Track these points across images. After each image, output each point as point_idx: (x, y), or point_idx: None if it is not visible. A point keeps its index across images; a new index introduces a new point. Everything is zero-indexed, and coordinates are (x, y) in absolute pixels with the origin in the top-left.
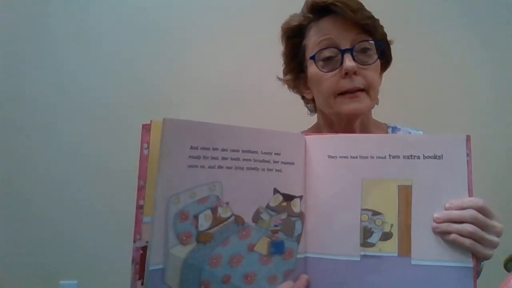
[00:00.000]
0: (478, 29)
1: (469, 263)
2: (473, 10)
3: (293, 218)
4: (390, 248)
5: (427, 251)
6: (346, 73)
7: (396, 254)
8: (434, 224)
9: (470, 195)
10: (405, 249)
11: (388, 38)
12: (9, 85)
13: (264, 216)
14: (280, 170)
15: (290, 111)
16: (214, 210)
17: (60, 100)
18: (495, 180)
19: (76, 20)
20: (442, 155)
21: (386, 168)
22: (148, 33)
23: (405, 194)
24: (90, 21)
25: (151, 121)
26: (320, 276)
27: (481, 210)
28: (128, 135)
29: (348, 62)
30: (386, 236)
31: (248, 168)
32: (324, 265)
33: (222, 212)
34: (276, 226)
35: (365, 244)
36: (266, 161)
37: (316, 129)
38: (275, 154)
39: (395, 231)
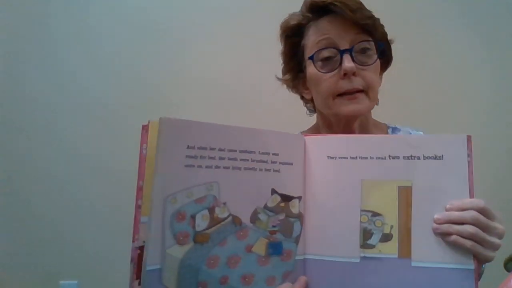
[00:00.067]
0: (478, 29)
1: (470, 265)
2: (473, 10)
3: (292, 219)
4: (390, 249)
5: (428, 252)
6: (345, 74)
7: (396, 256)
8: (435, 225)
9: (471, 196)
10: (405, 250)
11: (389, 38)
12: (9, 85)
13: (262, 216)
14: (278, 171)
15: (290, 111)
16: (211, 210)
17: (60, 100)
18: (495, 180)
19: (76, 20)
20: (442, 155)
21: (386, 168)
22: (148, 33)
23: (405, 195)
24: (90, 21)
25: (149, 121)
26: (319, 277)
27: (482, 211)
28: (128, 135)
29: (347, 62)
30: (386, 238)
31: (245, 168)
32: (323, 266)
33: (220, 212)
34: (274, 226)
35: (364, 245)
36: (264, 161)
37: (315, 130)
38: (273, 154)
39: (395, 233)
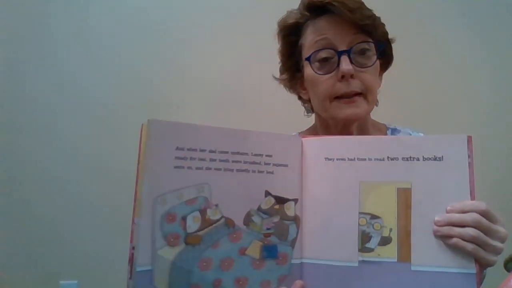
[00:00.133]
0: (478, 29)
1: (472, 269)
2: (473, 10)
3: (287, 222)
4: (389, 253)
5: (428, 256)
6: (342, 76)
7: (395, 260)
8: (435, 227)
9: (472, 197)
10: (404, 254)
11: (390, 37)
12: (9, 85)
13: (256, 219)
14: (272, 172)
15: (290, 112)
16: (202, 212)
17: (60, 100)
18: (495, 180)
19: (76, 20)
20: (442, 156)
21: (384, 170)
22: (148, 33)
23: (404, 197)
24: (90, 21)
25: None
26: (316, 282)
27: (484, 214)
28: (128, 135)
29: (345, 65)
30: (385, 241)
31: (238, 170)
32: (320, 271)
33: (212, 214)
34: (268, 229)
35: (363, 249)
36: (257, 163)
37: (313, 131)
38: (266, 156)
39: (394, 236)
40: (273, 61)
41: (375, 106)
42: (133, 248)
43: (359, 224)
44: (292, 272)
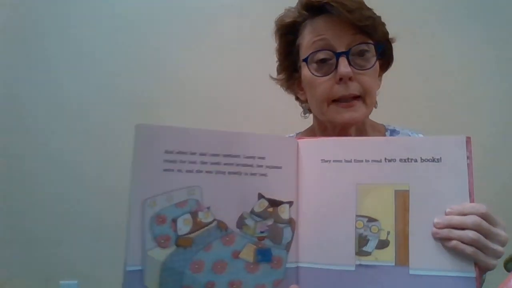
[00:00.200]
0: (478, 29)
1: (471, 272)
2: (475, 10)
3: (281, 225)
4: (386, 256)
5: (426, 260)
6: (340, 79)
7: (393, 263)
8: (434, 230)
9: (471, 200)
10: (402, 257)
11: (390, 36)
12: (9, 85)
13: (249, 222)
14: (265, 175)
15: (290, 112)
16: (194, 214)
17: (60, 101)
18: (495, 180)
19: (70, 22)
20: (440, 158)
21: (382, 172)
22: (144, 34)
23: (402, 199)
24: (84, 24)
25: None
26: (312, 286)
27: (484, 216)
28: (128, 135)
29: (343, 67)
30: (382, 244)
31: (230, 173)
32: (316, 275)
33: (203, 217)
34: (262, 232)
35: (360, 252)
36: (249, 165)
37: (311, 132)
38: (259, 158)
39: (392, 239)
40: (273, 62)
41: (374, 108)
42: None
43: (356, 227)
44: (287, 276)
